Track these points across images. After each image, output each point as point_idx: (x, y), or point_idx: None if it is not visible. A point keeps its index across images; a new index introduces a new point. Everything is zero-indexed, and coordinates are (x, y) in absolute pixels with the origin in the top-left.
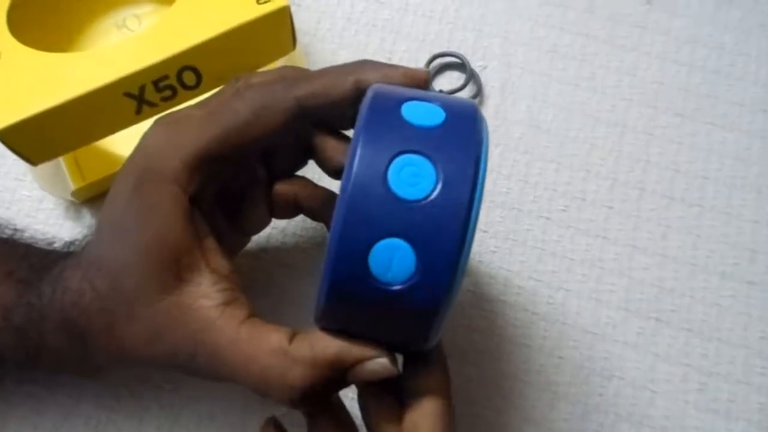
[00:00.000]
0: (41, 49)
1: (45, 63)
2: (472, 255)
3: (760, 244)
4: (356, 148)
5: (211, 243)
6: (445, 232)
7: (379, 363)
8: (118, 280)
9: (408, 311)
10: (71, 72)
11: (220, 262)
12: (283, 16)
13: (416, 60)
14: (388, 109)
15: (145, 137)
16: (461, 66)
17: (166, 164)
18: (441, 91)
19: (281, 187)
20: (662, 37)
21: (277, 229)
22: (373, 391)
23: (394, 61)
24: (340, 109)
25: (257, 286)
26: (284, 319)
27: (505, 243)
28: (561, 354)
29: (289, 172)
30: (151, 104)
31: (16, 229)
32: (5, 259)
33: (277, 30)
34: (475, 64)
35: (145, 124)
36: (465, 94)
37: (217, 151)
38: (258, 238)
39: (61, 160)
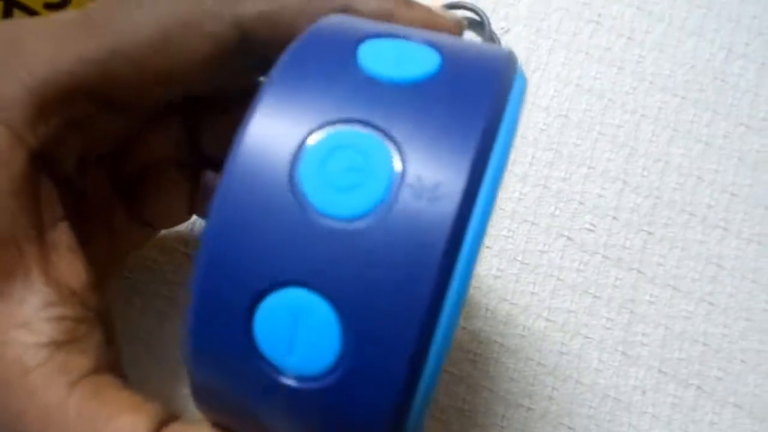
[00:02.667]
0: None
1: None
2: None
3: None
4: (248, 118)
5: (60, 235)
6: (402, 290)
7: None
8: None
9: (337, 424)
10: None
11: (69, 268)
12: None
13: None
14: (336, 45)
15: None
16: (478, 25)
17: None
18: None
19: (214, 177)
20: (731, 23)
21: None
22: None
23: None
24: None
25: (163, 302)
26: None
27: (512, 266)
28: (572, 424)
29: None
30: (29, 10)
31: None
32: None
33: None
34: (496, 25)
35: None
36: None
37: (92, 79)
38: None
39: None
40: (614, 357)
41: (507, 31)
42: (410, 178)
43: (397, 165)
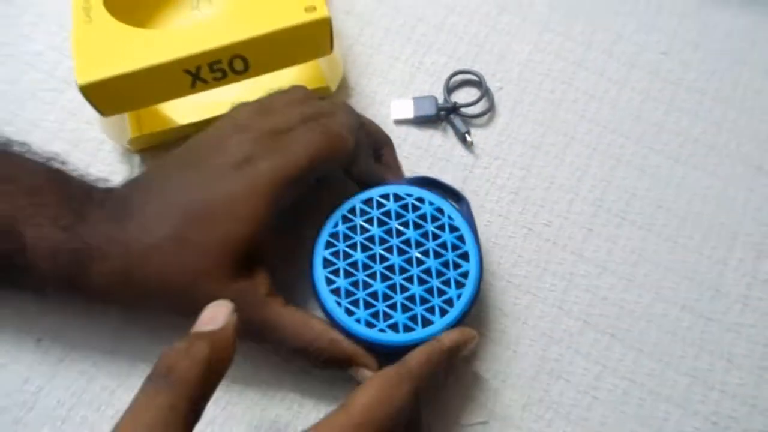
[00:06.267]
0: (126, 21)
1: (126, 35)
2: None
3: (723, 286)
4: None
5: (273, 240)
6: None
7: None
8: (190, 262)
9: None
10: (146, 46)
11: (268, 257)
12: (324, 25)
13: (440, 72)
14: None
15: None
16: (479, 84)
17: (265, 187)
18: (455, 104)
19: None
20: (650, 76)
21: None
22: None
23: (420, 71)
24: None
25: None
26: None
27: (486, 244)
28: (516, 349)
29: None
30: (204, 81)
31: (63, 162)
32: (53, 203)
33: (317, 36)
34: (493, 85)
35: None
36: (477, 109)
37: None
38: None
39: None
40: (552, 309)
41: (501, 89)
42: None
43: None
